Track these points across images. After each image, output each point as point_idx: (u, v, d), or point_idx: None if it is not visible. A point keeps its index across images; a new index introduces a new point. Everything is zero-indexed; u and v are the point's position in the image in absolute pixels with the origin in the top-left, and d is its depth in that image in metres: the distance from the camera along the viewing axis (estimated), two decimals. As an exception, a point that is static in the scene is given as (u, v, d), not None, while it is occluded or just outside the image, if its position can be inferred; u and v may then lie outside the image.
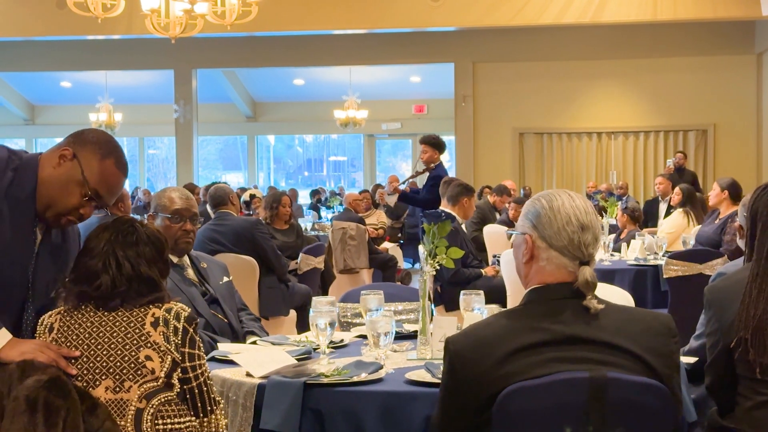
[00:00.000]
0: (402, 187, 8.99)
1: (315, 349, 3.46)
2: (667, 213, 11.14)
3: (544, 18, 13.26)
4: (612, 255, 7.42)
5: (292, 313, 7.18)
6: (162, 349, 2.57)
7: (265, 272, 6.82)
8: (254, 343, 3.74)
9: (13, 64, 18.11)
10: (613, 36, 15.59)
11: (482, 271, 7.16)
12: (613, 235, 7.91)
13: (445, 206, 7.49)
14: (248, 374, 3.06)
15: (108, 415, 2.52)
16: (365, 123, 19.47)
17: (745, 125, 15.99)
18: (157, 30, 9.78)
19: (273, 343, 3.66)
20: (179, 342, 2.60)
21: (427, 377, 2.94)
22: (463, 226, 7.45)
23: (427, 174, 8.86)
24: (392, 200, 9.93)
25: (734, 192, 7.58)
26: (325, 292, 8.68)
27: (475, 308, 3.55)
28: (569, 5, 13.11)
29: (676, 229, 8.94)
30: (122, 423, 2.54)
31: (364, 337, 3.77)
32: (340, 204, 17.14)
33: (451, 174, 11.94)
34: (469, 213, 7.44)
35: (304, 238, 8.92)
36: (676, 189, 9.86)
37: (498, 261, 7.54)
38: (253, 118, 22.06)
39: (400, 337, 3.68)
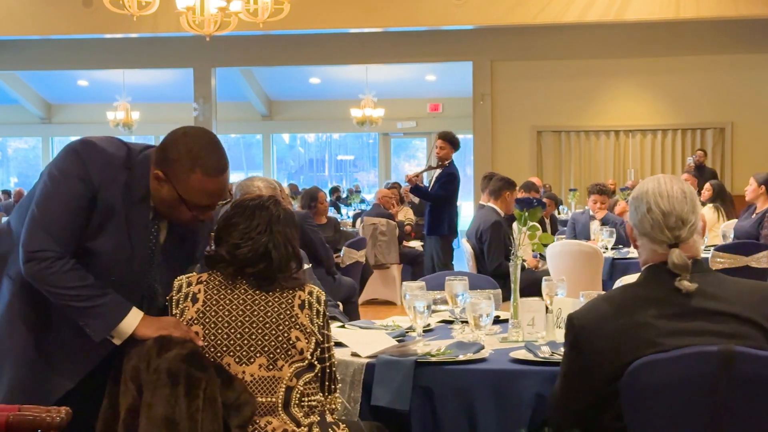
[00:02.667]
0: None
1: (407, 332, 3.57)
2: (693, 209, 11.24)
3: (567, 16, 13.35)
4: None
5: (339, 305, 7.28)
6: (308, 330, 2.68)
7: (314, 265, 6.93)
8: (342, 326, 3.84)
9: (30, 63, 18.19)
10: (631, 34, 15.66)
11: (525, 263, 7.27)
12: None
13: (487, 200, 7.60)
14: (354, 354, 3.16)
15: (244, 388, 2.63)
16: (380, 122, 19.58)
17: (763, 123, 16.06)
18: (192, 28, 9.88)
19: (361, 327, 3.76)
20: (321, 324, 2.72)
21: (530, 356, 3.05)
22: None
23: (437, 170, 9.02)
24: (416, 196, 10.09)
25: (771, 187, 7.70)
26: (363, 287, 8.80)
27: (558, 293, 3.65)
28: (593, 3, 13.20)
29: (706, 224, 9.05)
30: (272, 399, 2.65)
31: (447, 322, 3.89)
32: (361, 201, 17.28)
33: (470, 172, 12.04)
34: (511, 207, 7.53)
35: (341, 233, 9.03)
36: (706, 185, 9.97)
37: (539, 254, 7.66)
38: (268, 117, 22.15)
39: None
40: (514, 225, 3.56)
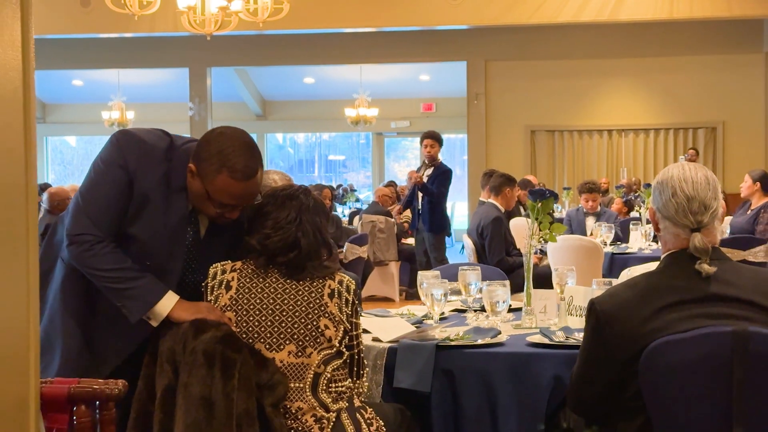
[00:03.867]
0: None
1: (424, 319, 3.69)
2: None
3: (562, 16, 13.47)
4: (650, 245, 7.66)
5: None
6: (337, 319, 2.79)
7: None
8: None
9: (25, 63, 18.18)
10: (623, 35, 15.81)
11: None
12: (648, 225, 8.14)
13: (487, 197, 7.73)
14: (375, 339, 3.27)
15: (276, 369, 2.74)
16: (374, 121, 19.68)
17: (754, 122, 16.24)
18: (194, 27, 9.97)
19: (377, 316, 3.88)
20: (349, 312, 2.83)
21: (546, 340, 3.17)
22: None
23: (429, 168, 9.34)
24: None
25: (766, 184, 7.85)
26: (364, 282, 8.91)
27: (569, 282, 3.77)
28: (587, 3, 13.34)
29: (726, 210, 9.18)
30: (300, 385, 2.75)
31: (459, 310, 4.00)
32: (356, 200, 17.39)
33: (459, 172, 12.19)
34: (511, 203, 7.69)
35: (343, 230, 9.14)
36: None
37: (540, 250, 7.78)
38: (262, 117, 22.23)
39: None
40: (518, 217, 3.66)
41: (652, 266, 3.88)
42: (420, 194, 9.43)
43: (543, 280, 6.68)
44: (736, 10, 13.16)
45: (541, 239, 3.61)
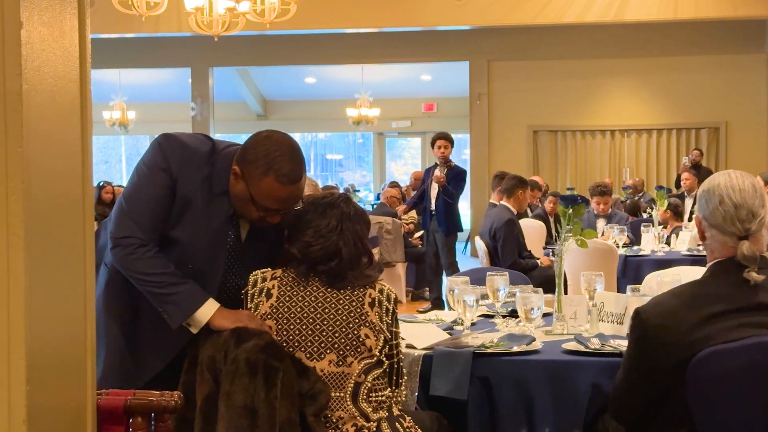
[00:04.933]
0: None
1: (454, 325, 3.68)
2: (692, 207, 11.41)
3: (566, 16, 13.48)
4: (663, 247, 7.67)
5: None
6: (377, 328, 2.77)
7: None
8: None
9: (26, 63, 18.14)
10: (626, 35, 15.82)
11: (538, 261, 7.41)
12: (660, 227, 8.15)
13: (498, 199, 7.73)
14: (409, 346, 3.26)
15: (318, 378, 2.72)
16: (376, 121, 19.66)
17: (757, 123, 16.25)
18: (201, 28, 9.95)
19: (405, 321, 3.86)
20: (390, 322, 2.81)
21: (582, 348, 3.16)
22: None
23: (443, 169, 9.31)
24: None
25: (776, 185, 7.84)
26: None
27: (597, 288, 3.76)
28: (592, 4, 13.34)
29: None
30: (341, 395, 2.74)
31: (486, 316, 4.00)
32: (358, 201, 17.38)
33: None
34: (524, 205, 7.70)
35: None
36: (707, 184, 10.10)
37: (552, 252, 7.77)
38: (263, 117, 22.21)
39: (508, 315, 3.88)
40: (560, 219, 3.65)
41: (682, 271, 3.88)
42: (434, 195, 9.40)
43: (553, 283, 6.70)
44: (741, 10, 13.17)
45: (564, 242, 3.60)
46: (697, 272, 4.52)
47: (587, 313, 3.64)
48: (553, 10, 13.51)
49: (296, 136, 25.06)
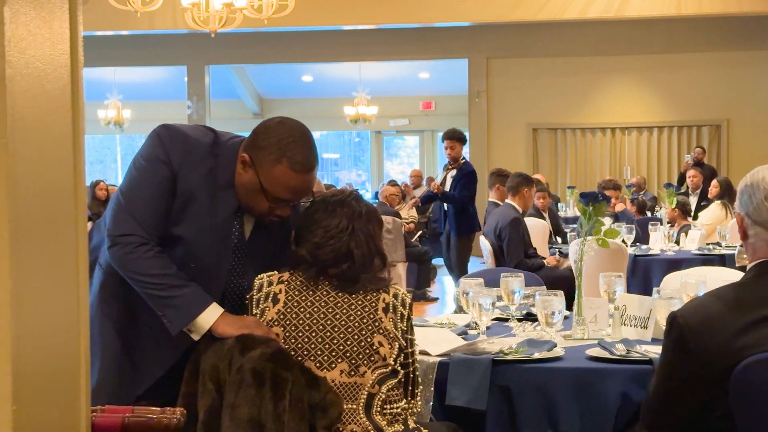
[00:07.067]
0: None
1: (468, 330, 3.50)
2: (698, 205, 11.25)
3: (568, 13, 13.31)
4: (672, 246, 7.49)
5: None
6: (391, 335, 2.58)
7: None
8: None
9: (20, 61, 17.95)
10: (627, 32, 15.65)
11: (544, 261, 7.23)
12: (668, 225, 7.98)
13: (497, 197, 7.58)
14: (423, 352, 3.08)
15: (329, 389, 2.54)
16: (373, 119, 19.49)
17: (759, 120, 16.08)
18: (198, 24, 9.76)
19: (416, 325, 3.68)
20: (405, 328, 2.62)
21: (607, 354, 2.98)
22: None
23: (453, 170, 8.97)
24: (417, 193, 10.10)
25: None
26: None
27: (617, 290, 3.58)
28: (593, 0, 13.18)
29: (714, 221, 9.01)
30: (353, 406, 2.55)
31: (501, 320, 3.81)
32: (357, 199, 17.23)
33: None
34: (529, 203, 7.52)
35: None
36: (714, 182, 9.95)
37: (558, 251, 7.61)
38: (260, 115, 22.00)
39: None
40: (580, 218, 3.47)
41: (707, 272, 3.70)
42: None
43: (564, 282, 6.53)
44: (745, 6, 13.01)
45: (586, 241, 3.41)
46: (721, 272, 4.34)
47: (608, 316, 3.45)
48: (554, 7, 13.34)
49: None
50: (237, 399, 2.45)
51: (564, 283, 6.57)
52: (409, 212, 12.21)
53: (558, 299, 3.15)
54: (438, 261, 13.31)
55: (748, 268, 2.44)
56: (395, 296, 2.64)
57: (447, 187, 8.93)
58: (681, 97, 16.37)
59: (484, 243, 7.31)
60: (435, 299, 10.66)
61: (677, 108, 16.52)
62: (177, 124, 2.77)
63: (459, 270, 8.72)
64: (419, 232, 11.95)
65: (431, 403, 2.96)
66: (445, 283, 12.09)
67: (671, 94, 16.42)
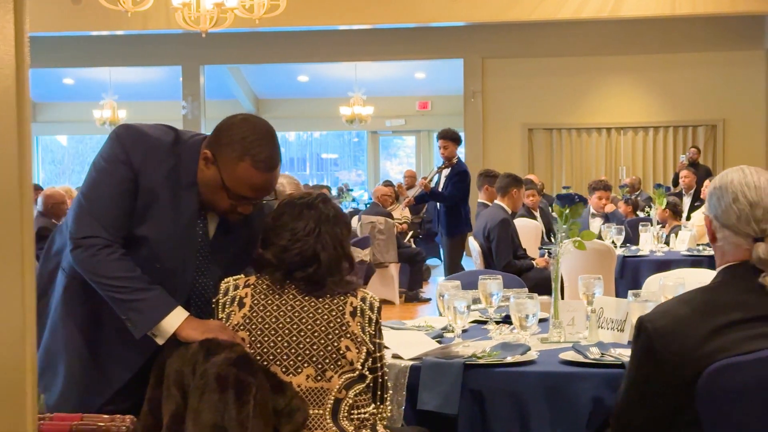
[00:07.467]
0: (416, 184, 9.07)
1: (444, 333, 3.47)
2: (691, 206, 11.22)
3: (562, 13, 13.28)
4: (661, 247, 7.46)
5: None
6: (359, 339, 2.55)
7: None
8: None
9: (15, 61, 17.91)
10: (622, 32, 15.62)
11: (533, 262, 7.20)
12: (659, 226, 7.94)
13: (485, 197, 7.55)
14: (395, 356, 3.05)
15: (295, 394, 2.51)
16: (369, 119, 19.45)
17: (755, 120, 16.06)
18: (189, 24, 9.73)
19: (392, 328, 3.65)
20: (373, 332, 2.59)
21: (581, 358, 2.94)
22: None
23: (446, 170, 8.95)
24: (411, 193, 10.02)
25: (778, 184, 7.63)
26: (365, 285, 8.68)
27: (596, 292, 3.54)
28: (587, 0, 13.15)
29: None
30: (320, 412, 2.52)
31: (479, 322, 3.78)
32: (352, 200, 17.18)
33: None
34: (518, 204, 7.48)
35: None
36: (706, 182, 9.91)
37: (548, 252, 7.56)
38: (256, 115, 21.97)
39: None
40: (557, 221, 3.44)
41: (686, 274, 3.67)
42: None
43: (549, 284, 6.50)
44: (739, 5, 12.98)
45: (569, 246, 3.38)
46: (700, 274, 4.32)
47: (586, 319, 3.42)
48: (549, 7, 13.31)
49: (291, 135, 25.15)
50: (200, 404, 2.42)
51: (551, 283, 6.57)
52: (402, 213, 12.18)
53: (532, 302, 3.12)
54: (433, 261, 13.31)
55: (716, 272, 2.40)
56: (363, 300, 2.60)
57: (441, 187, 8.91)
58: (676, 97, 16.34)
59: (473, 244, 7.28)
60: (428, 300, 10.62)
61: (673, 108, 16.49)
62: (137, 123, 2.74)
63: (450, 270, 8.69)
64: (411, 233, 11.91)
65: (403, 408, 2.93)
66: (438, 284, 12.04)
67: (667, 94, 16.39)
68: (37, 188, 13.33)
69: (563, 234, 3.36)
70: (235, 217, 2.71)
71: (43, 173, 22.96)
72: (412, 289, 10.81)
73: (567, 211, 3.34)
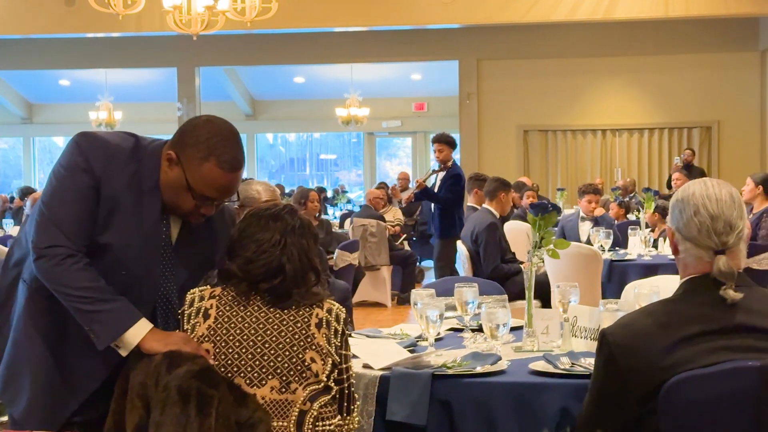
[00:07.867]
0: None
1: (418, 342, 3.46)
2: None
3: (556, 15, 13.27)
4: (650, 251, 7.45)
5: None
6: (324, 351, 2.54)
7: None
8: (349, 335, 3.71)
9: (11, 63, 17.93)
10: (617, 33, 15.61)
11: (521, 266, 7.18)
12: (647, 230, 7.93)
13: (475, 201, 7.54)
14: (366, 366, 3.04)
15: (258, 406, 2.50)
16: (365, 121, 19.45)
17: (749, 122, 16.05)
18: (179, 27, 9.72)
19: (368, 336, 3.64)
20: (339, 344, 2.58)
21: (550, 368, 2.94)
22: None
23: (441, 173, 8.97)
24: (405, 195, 10.01)
25: (768, 187, 7.63)
26: (355, 289, 8.67)
27: (572, 300, 3.53)
28: (582, 2, 13.13)
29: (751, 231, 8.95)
30: (284, 424, 2.51)
31: (455, 330, 3.77)
32: (347, 201, 17.18)
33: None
34: (506, 208, 7.48)
35: (333, 235, 8.90)
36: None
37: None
38: (252, 117, 21.97)
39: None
40: (531, 229, 3.43)
41: (661, 281, 3.65)
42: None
43: (541, 287, 6.46)
44: (732, 7, 12.97)
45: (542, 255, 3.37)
46: (675, 282, 4.30)
47: (561, 327, 3.41)
48: (543, 8, 13.30)
49: (291, 136, 25.12)
50: (162, 417, 2.41)
51: (541, 288, 6.54)
52: (395, 215, 12.18)
53: (503, 311, 3.11)
54: (427, 263, 13.29)
55: (679, 284, 2.40)
56: (329, 311, 2.59)
57: (435, 190, 8.95)
58: (671, 99, 16.33)
59: (461, 248, 7.27)
60: (420, 303, 10.59)
61: (668, 110, 16.48)
62: (96, 131, 2.75)
63: (440, 272, 8.69)
64: (404, 235, 11.90)
65: (372, 418, 2.92)
66: (412, 292, 12.02)
67: (662, 95, 16.38)
68: (31, 190, 13.34)
69: (537, 242, 3.35)
70: (198, 219, 2.71)
71: (41, 174, 22.97)
72: (404, 291, 10.80)
73: (540, 219, 3.33)
